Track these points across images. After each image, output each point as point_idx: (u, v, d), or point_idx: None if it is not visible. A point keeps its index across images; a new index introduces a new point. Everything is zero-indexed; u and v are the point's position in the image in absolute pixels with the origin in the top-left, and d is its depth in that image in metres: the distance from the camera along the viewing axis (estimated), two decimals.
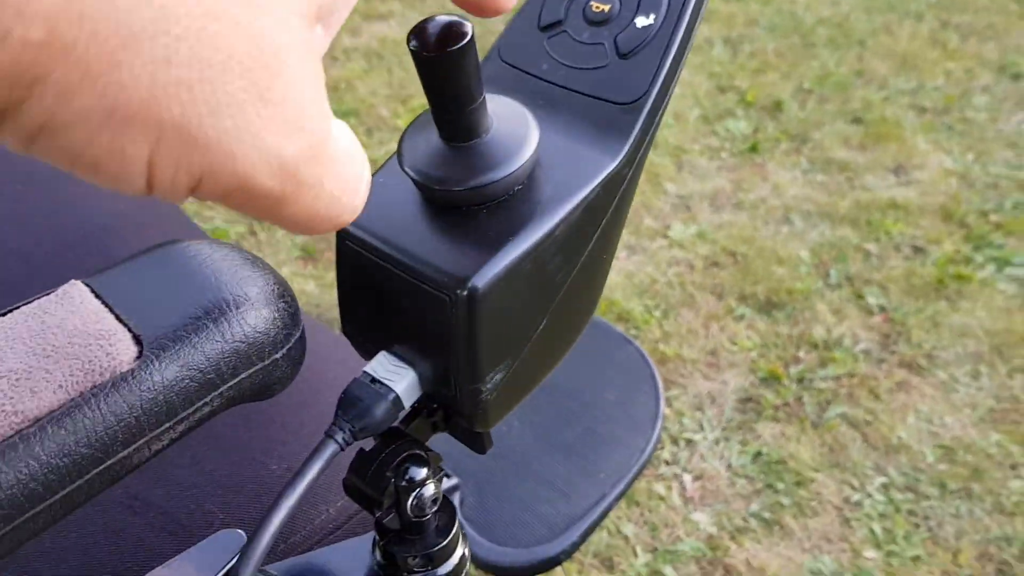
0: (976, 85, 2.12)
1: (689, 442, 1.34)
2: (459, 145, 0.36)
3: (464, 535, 0.43)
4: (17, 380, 0.30)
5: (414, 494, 0.39)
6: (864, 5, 2.51)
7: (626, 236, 1.70)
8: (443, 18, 0.32)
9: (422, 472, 0.39)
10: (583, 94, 0.39)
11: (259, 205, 0.25)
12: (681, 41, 0.39)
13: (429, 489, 0.39)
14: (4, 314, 0.32)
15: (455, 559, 0.42)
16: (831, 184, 1.82)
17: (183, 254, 0.35)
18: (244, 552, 0.35)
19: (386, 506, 0.39)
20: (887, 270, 1.60)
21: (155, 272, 0.35)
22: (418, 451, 0.40)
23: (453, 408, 0.39)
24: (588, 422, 1.25)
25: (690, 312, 1.53)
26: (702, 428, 1.35)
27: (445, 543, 0.41)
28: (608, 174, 0.37)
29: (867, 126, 1.98)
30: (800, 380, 1.41)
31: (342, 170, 0.26)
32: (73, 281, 0.34)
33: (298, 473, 0.36)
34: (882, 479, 1.27)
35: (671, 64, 0.39)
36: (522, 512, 1.15)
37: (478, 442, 0.42)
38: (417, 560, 0.41)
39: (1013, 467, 1.28)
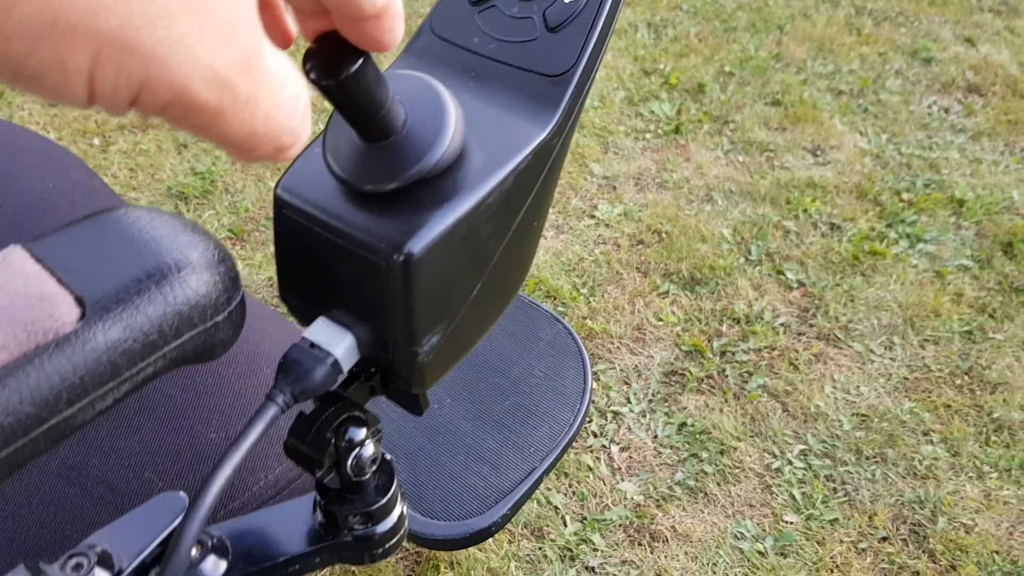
0: (889, 69, 2.20)
1: (616, 415, 1.37)
2: (377, 144, 0.37)
3: (403, 493, 0.44)
4: None
5: (353, 454, 0.40)
6: None
7: (553, 216, 1.72)
8: (335, 41, 0.32)
9: (361, 433, 0.40)
10: (513, 66, 0.41)
11: (197, 119, 0.26)
12: (607, 15, 0.41)
13: (368, 449, 0.41)
14: None
15: (394, 516, 0.44)
16: (752, 164, 1.87)
17: (123, 220, 0.36)
18: (187, 513, 0.36)
19: (326, 467, 0.41)
20: (806, 246, 1.65)
21: (95, 237, 0.35)
22: (357, 413, 0.41)
23: (391, 371, 0.40)
24: (518, 397, 1.27)
25: (616, 289, 1.57)
26: (629, 401, 1.39)
27: (384, 501, 0.43)
28: (538, 143, 0.39)
29: (786, 108, 2.04)
30: (723, 353, 1.46)
31: (277, 88, 0.27)
32: (13, 246, 0.34)
33: (240, 435, 0.37)
34: (801, 446, 1.32)
35: (598, 37, 0.41)
36: (454, 486, 1.17)
37: (415, 404, 0.43)
38: (357, 518, 0.42)
39: (925, 433, 1.34)
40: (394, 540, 0.44)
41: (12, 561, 0.38)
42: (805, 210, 1.73)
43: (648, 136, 1.96)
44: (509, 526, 1.25)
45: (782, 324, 1.51)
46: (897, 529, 1.22)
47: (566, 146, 0.41)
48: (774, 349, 1.46)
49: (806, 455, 1.31)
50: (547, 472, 1.19)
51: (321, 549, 0.43)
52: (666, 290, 1.56)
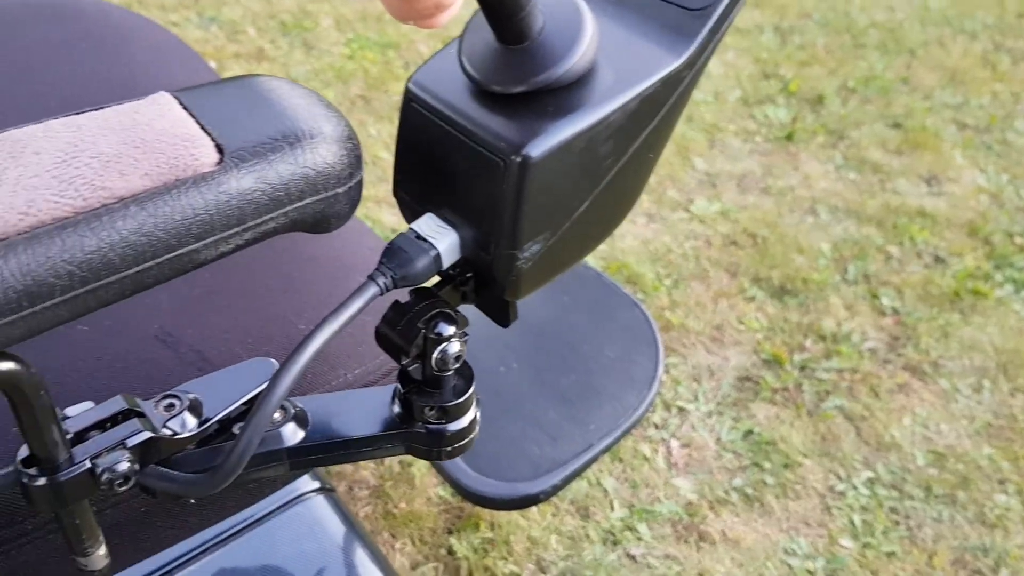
0: (1021, 109, 2.14)
1: (681, 410, 1.38)
2: (511, 47, 0.39)
3: (478, 400, 0.47)
4: (107, 162, 0.33)
5: (440, 348, 0.43)
6: (919, 16, 2.52)
7: (647, 204, 1.73)
8: None
9: (450, 329, 0.42)
10: None
11: None
12: None
13: (454, 346, 0.43)
14: (97, 110, 0.36)
15: (466, 419, 0.46)
16: (862, 183, 1.84)
17: (265, 84, 0.39)
18: (276, 376, 0.38)
19: (412, 356, 0.43)
20: (906, 275, 1.62)
21: (238, 96, 0.38)
22: (448, 310, 0.43)
23: (487, 275, 0.43)
24: (585, 374, 1.28)
25: (701, 286, 1.56)
26: (696, 399, 1.39)
27: (460, 401, 0.45)
28: (669, 72, 0.40)
29: (906, 132, 2.00)
30: (802, 368, 1.44)
31: None
32: (162, 91, 0.37)
33: (339, 307, 0.39)
34: (869, 473, 1.30)
35: None
36: (509, 449, 1.19)
37: (503, 314, 0.45)
38: (433, 412, 0.44)
39: (1001, 482, 1.31)
40: (463, 442, 0.46)
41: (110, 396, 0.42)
42: (911, 238, 1.70)
43: (758, 139, 1.95)
44: (555, 499, 1.26)
45: (869, 349, 1.49)
46: (956, 573, 1.20)
47: (694, 82, 0.42)
48: (857, 372, 1.44)
49: (873, 483, 1.29)
50: (603, 452, 1.20)
51: (394, 436, 0.45)
52: (753, 295, 1.55)
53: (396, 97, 2.00)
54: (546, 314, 1.34)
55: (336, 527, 0.91)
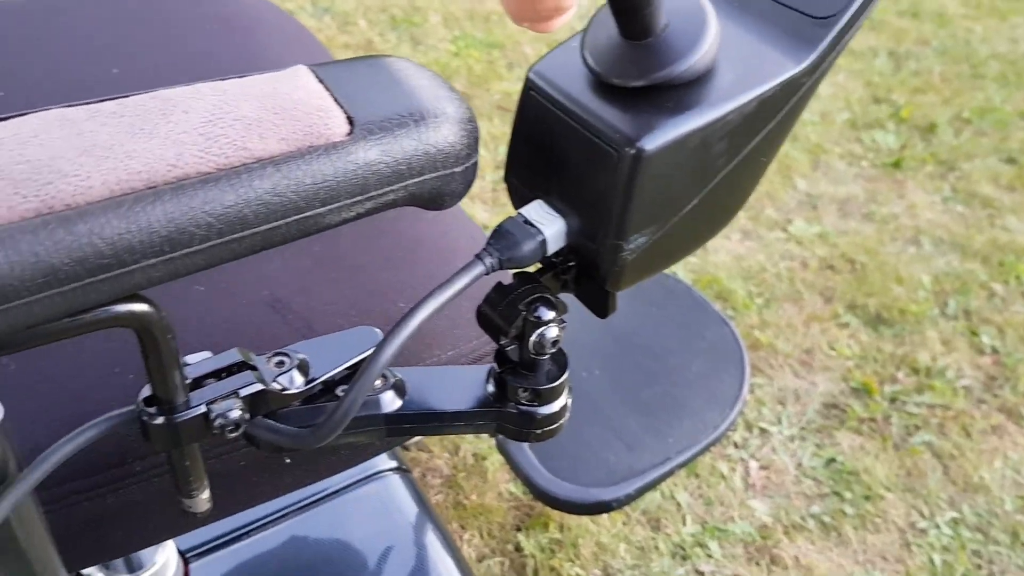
0: None
1: (763, 431, 1.36)
2: (634, 42, 0.41)
3: (570, 388, 0.48)
4: (249, 124, 0.35)
5: (538, 331, 0.44)
6: None
7: (743, 220, 1.72)
8: None
9: (550, 314, 0.44)
10: (778, 2, 0.43)
11: None
12: None
13: (552, 331, 0.44)
14: (240, 77, 0.38)
15: (557, 405, 0.47)
16: (970, 217, 1.80)
17: (393, 64, 0.41)
18: (381, 344, 0.40)
19: (511, 337, 0.45)
20: (1009, 314, 1.58)
21: (369, 74, 0.40)
22: (549, 296, 0.45)
23: (591, 264, 0.44)
24: (668, 387, 1.28)
25: (793, 308, 1.55)
26: (780, 422, 1.38)
27: (554, 386, 0.46)
28: (789, 77, 0.41)
29: (1021, 168, 1.94)
30: (892, 400, 1.42)
31: None
32: (299, 65, 0.40)
33: (445, 283, 0.41)
34: (954, 514, 1.27)
35: None
36: (586, 453, 1.20)
37: (602, 305, 0.47)
38: (526, 394, 0.46)
39: None
40: (552, 427, 0.48)
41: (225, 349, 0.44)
42: (1017, 277, 1.65)
43: (864, 164, 1.92)
44: (627, 508, 1.27)
45: (964, 386, 1.45)
46: None
47: (813, 89, 0.43)
48: (949, 409, 1.41)
49: (957, 524, 1.26)
50: (680, 467, 1.20)
51: (487, 413, 0.47)
52: (847, 321, 1.53)
53: (497, 96, 2.03)
54: (633, 324, 1.35)
55: (410, 507, 0.94)
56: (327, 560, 0.89)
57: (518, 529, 1.23)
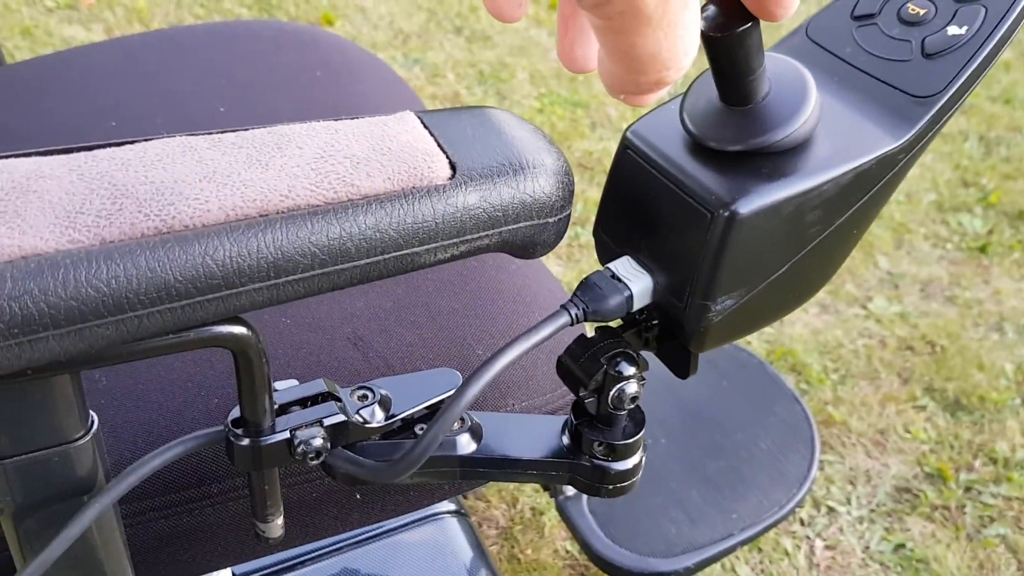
0: None
1: (831, 511, 1.33)
2: (734, 108, 0.42)
3: (645, 445, 0.48)
4: (357, 163, 0.37)
5: (618, 386, 0.45)
6: None
7: (822, 295, 1.70)
8: (731, 2, 0.37)
9: (631, 369, 0.44)
10: (879, 80, 0.44)
11: (630, 22, 0.31)
12: (988, 56, 0.43)
13: (632, 387, 0.45)
14: (352, 119, 0.40)
15: (631, 462, 0.47)
16: None
17: (496, 116, 0.42)
18: (463, 386, 0.41)
19: (589, 389, 0.45)
20: None
21: (472, 123, 0.42)
22: (631, 351, 0.45)
23: (675, 323, 0.44)
24: (734, 461, 1.27)
25: (870, 386, 1.52)
26: (849, 502, 1.35)
27: (630, 442, 0.46)
28: (886, 152, 0.42)
29: None
30: (968, 488, 1.37)
31: (691, 24, 0.32)
32: (407, 111, 0.42)
33: (531, 329, 0.42)
34: None
35: (972, 73, 0.43)
36: (647, 522, 1.19)
37: (683, 365, 0.47)
38: (601, 448, 0.46)
39: None
40: (624, 483, 0.48)
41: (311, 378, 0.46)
42: None
43: (949, 246, 1.89)
44: None
45: None
46: None
47: (909, 165, 0.43)
48: None
49: None
50: (742, 544, 1.18)
51: (560, 464, 0.47)
52: (924, 405, 1.50)
53: (579, 154, 2.05)
54: (703, 396, 1.34)
55: (466, 552, 0.94)
56: None
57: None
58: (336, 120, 0.40)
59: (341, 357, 0.56)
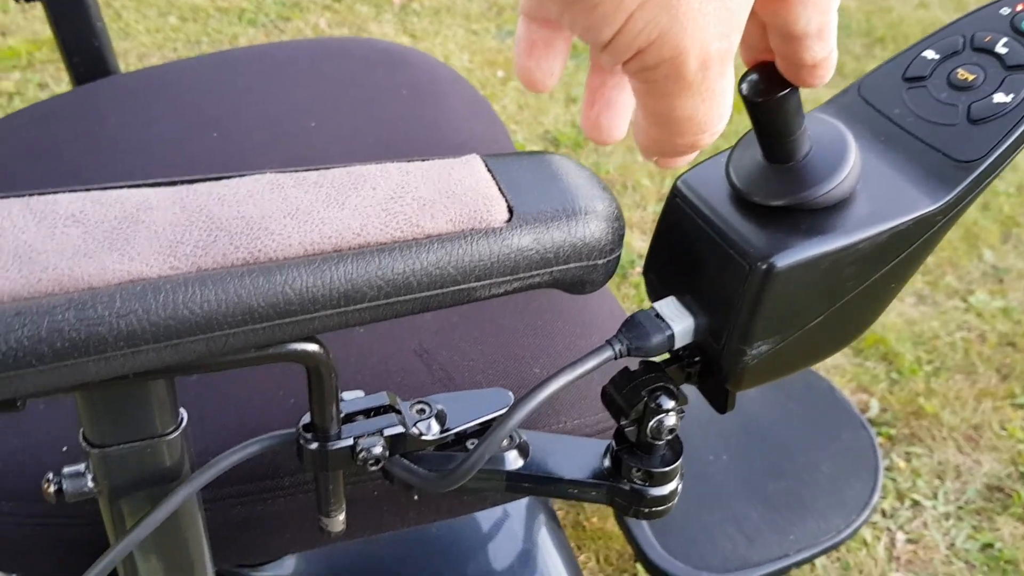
0: None
1: (916, 504, 1.36)
2: (776, 165, 0.45)
3: (682, 473, 0.52)
4: (424, 205, 0.42)
5: (657, 418, 0.49)
6: None
7: (919, 284, 1.70)
8: (770, 70, 0.41)
9: (670, 403, 0.49)
10: (923, 142, 0.47)
11: (671, 86, 0.35)
12: None
13: (670, 419, 0.49)
14: (423, 160, 0.46)
15: (667, 488, 0.52)
16: None
17: (555, 162, 0.47)
18: (513, 407, 0.46)
19: (630, 419, 0.49)
20: None
21: (532, 169, 0.46)
22: (672, 387, 0.49)
23: (714, 362, 0.48)
24: (795, 483, 1.29)
25: (965, 381, 1.53)
26: (935, 497, 1.37)
27: (666, 470, 0.51)
28: (923, 214, 0.45)
29: None
30: None
31: (727, 89, 0.36)
32: (474, 154, 0.47)
33: (576, 362, 0.47)
34: None
35: (1014, 141, 0.45)
36: (703, 537, 1.22)
37: (722, 401, 0.51)
38: (639, 474, 0.51)
39: None
40: (660, 508, 0.52)
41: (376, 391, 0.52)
42: None
43: None
44: None
45: None
46: None
47: (947, 227, 0.46)
48: None
49: None
50: (796, 565, 1.21)
51: (601, 486, 0.52)
52: (1023, 403, 1.49)
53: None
54: (768, 416, 1.36)
55: (537, 513, 0.99)
56: (444, 552, 0.95)
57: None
58: (409, 162, 0.45)
59: (406, 368, 0.62)
